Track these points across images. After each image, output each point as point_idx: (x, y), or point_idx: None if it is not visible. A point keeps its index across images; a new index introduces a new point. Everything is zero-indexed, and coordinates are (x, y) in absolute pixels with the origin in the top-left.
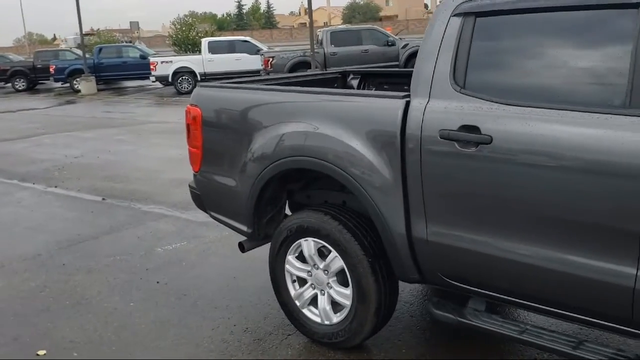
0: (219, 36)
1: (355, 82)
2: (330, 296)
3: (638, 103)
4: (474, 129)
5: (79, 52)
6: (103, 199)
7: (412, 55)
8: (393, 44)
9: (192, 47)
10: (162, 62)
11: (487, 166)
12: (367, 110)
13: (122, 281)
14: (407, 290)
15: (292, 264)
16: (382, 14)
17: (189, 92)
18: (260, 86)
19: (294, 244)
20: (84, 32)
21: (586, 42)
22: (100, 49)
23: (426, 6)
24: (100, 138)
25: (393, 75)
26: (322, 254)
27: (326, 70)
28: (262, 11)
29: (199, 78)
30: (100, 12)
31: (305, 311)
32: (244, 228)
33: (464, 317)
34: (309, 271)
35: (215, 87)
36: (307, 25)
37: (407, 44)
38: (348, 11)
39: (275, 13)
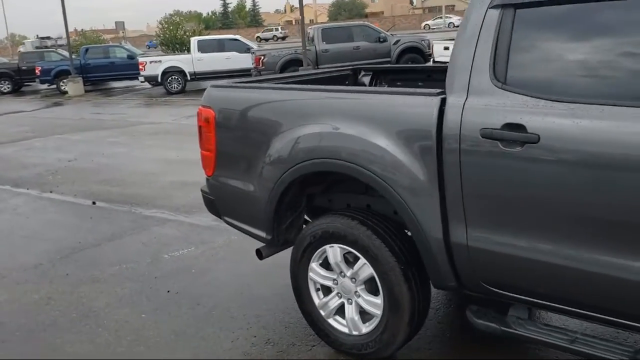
0: (206, 35)
1: (367, 79)
2: (358, 305)
3: None
4: (519, 127)
5: (66, 53)
6: (93, 202)
7: (404, 52)
8: (385, 41)
9: (181, 46)
10: (151, 62)
11: (533, 167)
12: (399, 108)
13: (131, 291)
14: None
15: (316, 272)
16: (367, 10)
17: (179, 92)
18: (276, 85)
19: (318, 251)
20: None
21: (638, 32)
22: (87, 50)
23: (412, 2)
24: (92, 140)
25: (406, 71)
26: (348, 260)
27: (318, 67)
28: (247, 9)
29: (188, 78)
30: (85, 11)
31: (330, 321)
32: (263, 234)
33: (508, 326)
34: (334, 279)
35: (228, 87)
36: (294, 23)
37: (399, 40)
38: (334, 8)
39: (261, 11)
